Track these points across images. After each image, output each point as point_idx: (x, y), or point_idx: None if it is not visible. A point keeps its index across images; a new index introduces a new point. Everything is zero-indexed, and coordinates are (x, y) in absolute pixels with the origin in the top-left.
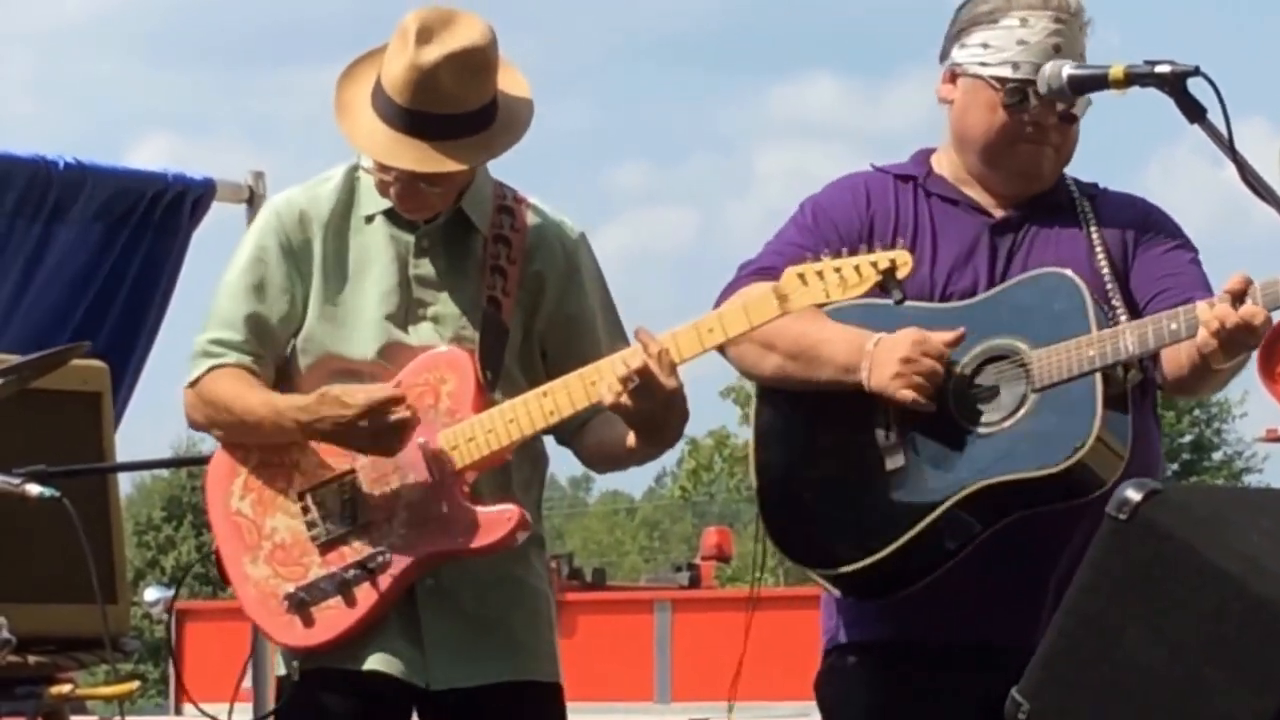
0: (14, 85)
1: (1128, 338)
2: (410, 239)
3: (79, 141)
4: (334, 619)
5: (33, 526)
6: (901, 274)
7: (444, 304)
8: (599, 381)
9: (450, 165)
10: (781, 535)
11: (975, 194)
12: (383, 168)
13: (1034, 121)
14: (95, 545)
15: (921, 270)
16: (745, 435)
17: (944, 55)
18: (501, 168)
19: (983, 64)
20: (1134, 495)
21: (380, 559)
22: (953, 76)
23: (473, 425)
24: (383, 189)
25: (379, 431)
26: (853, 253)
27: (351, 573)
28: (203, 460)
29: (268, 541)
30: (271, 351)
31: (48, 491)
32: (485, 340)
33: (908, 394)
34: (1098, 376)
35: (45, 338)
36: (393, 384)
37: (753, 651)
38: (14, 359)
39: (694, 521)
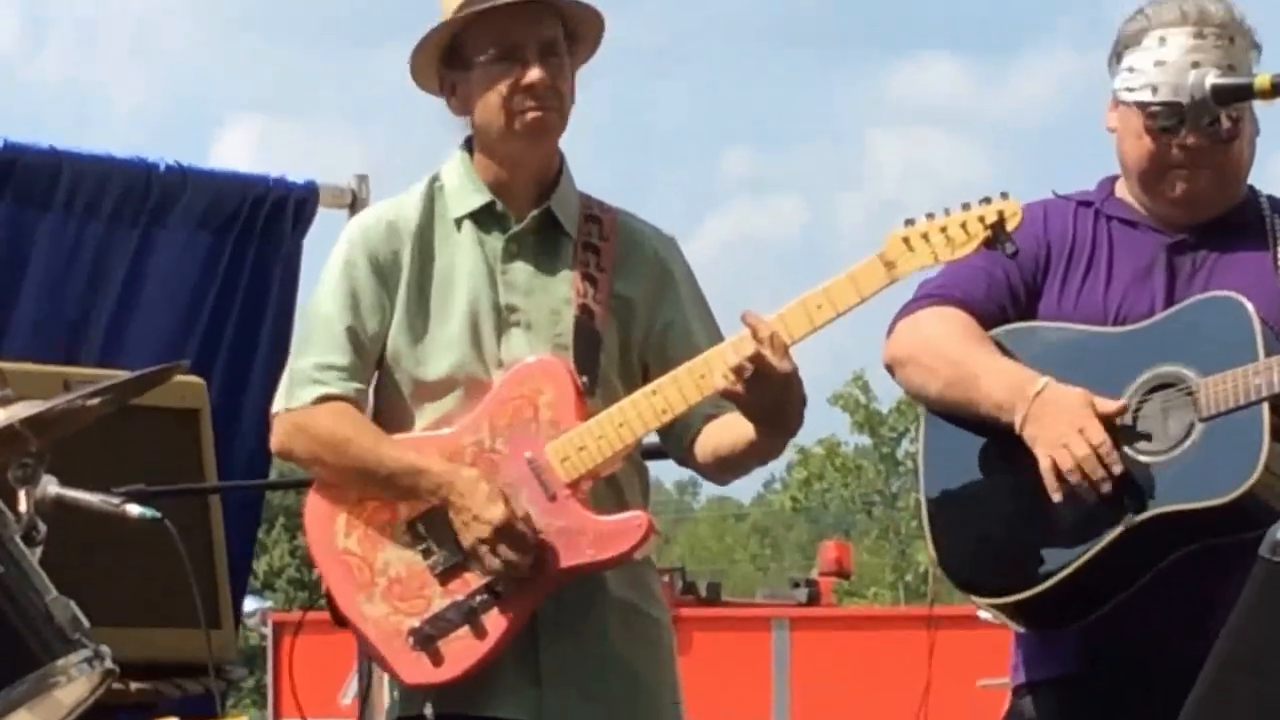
0: (109, 66)
1: None
2: (499, 244)
3: (169, 123)
4: (464, 651)
5: (134, 548)
6: (1011, 225)
7: (535, 310)
8: (709, 374)
9: None
10: (949, 562)
11: (1155, 216)
12: (509, 62)
13: (1183, 145)
14: (198, 567)
15: (1096, 293)
16: (855, 443)
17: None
18: (604, 149)
19: (1128, 89)
20: None
21: (508, 581)
22: (1115, 103)
23: (581, 434)
24: (510, 94)
25: (499, 549)
26: (1034, 284)
27: (479, 599)
28: (307, 483)
29: (382, 577)
30: (369, 372)
31: (148, 513)
32: (579, 346)
33: (1047, 465)
34: (1265, 406)
35: (163, 355)
36: (486, 400)
37: (868, 673)
38: (119, 374)
39: (808, 528)
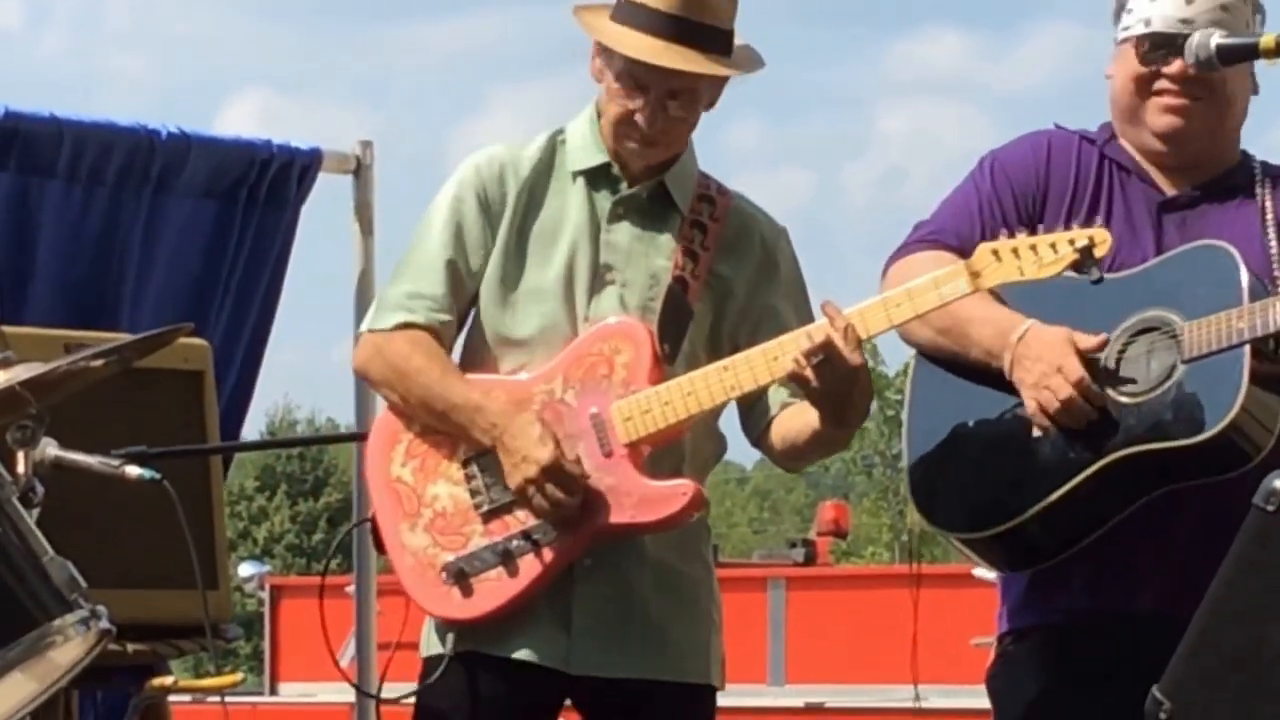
0: (109, 39)
1: (1278, 309)
2: (607, 204)
3: (174, 95)
4: (494, 590)
5: (132, 509)
6: (1100, 252)
7: (631, 271)
8: (781, 356)
9: (720, 70)
10: (925, 500)
11: (1149, 158)
12: (632, 90)
13: (1168, 75)
14: (196, 529)
15: None
16: None
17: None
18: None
19: (1125, 29)
20: None
21: (546, 530)
22: (1115, 55)
23: (648, 397)
24: (622, 118)
25: (546, 490)
26: (1032, 219)
27: (515, 542)
28: (302, 441)
29: (428, 509)
30: (460, 308)
31: (148, 474)
32: (666, 314)
33: (1034, 408)
34: (1247, 350)
35: (176, 321)
36: (566, 351)
37: (862, 631)
38: (121, 336)
39: (807, 492)
